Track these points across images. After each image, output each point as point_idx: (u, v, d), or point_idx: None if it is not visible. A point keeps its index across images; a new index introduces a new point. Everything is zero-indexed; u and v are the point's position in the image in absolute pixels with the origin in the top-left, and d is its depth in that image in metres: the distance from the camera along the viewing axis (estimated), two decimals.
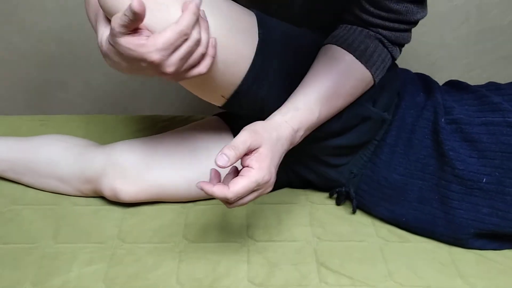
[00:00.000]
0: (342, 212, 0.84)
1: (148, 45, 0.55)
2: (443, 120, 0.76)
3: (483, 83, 0.86)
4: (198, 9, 0.58)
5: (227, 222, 0.82)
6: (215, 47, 0.62)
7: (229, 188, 0.61)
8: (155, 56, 0.56)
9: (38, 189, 0.88)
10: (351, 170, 0.81)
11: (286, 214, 0.83)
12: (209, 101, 0.74)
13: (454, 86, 0.85)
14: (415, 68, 0.92)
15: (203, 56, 0.60)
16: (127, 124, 1.07)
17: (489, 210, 0.73)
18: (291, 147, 0.69)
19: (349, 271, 0.73)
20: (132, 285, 0.70)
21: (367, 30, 0.74)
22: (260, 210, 0.84)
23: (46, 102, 1.27)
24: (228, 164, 0.60)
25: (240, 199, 0.62)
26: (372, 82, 0.75)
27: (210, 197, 0.85)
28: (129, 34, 0.56)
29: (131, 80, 1.25)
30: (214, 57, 0.62)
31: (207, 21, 0.61)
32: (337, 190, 0.83)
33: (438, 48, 1.26)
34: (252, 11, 0.71)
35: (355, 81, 0.73)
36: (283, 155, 0.67)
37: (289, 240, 0.78)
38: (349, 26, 0.75)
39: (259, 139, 0.63)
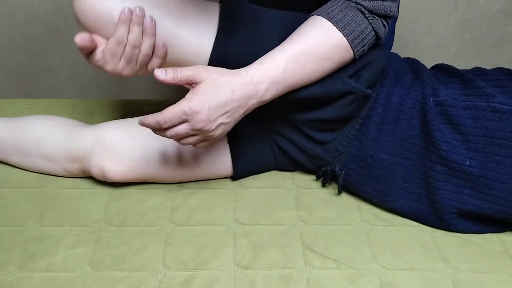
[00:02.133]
0: (327, 197, 0.84)
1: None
2: (431, 100, 0.76)
3: None
4: (140, 17, 0.70)
5: (214, 205, 0.82)
6: (164, 47, 0.74)
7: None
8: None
9: (24, 170, 0.87)
10: (337, 148, 0.82)
11: (272, 198, 0.84)
12: None
13: (441, 69, 0.86)
14: (403, 56, 0.92)
15: (149, 57, 0.74)
16: (113, 108, 1.07)
17: (471, 191, 0.74)
18: (255, 101, 0.72)
19: (334, 254, 0.73)
20: (118, 268, 0.70)
21: (348, 2, 0.75)
22: (247, 194, 0.84)
23: (31, 87, 1.26)
24: (161, 78, 0.69)
25: (173, 127, 0.69)
26: (351, 52, 0.76)
27: (196, 179, 0.86)
28: None
29: None
30: (164, 58, 0.75)
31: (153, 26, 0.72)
32: (323, 169, 0.84)
33: (426, 36, 1.27)
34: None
35: (330, 47, 0.74)
36: (238, 104, 0.71)
37: (275, 224, 0.79)
38: (332, 0, 0.77)
39: (203, 75, 0.69)
